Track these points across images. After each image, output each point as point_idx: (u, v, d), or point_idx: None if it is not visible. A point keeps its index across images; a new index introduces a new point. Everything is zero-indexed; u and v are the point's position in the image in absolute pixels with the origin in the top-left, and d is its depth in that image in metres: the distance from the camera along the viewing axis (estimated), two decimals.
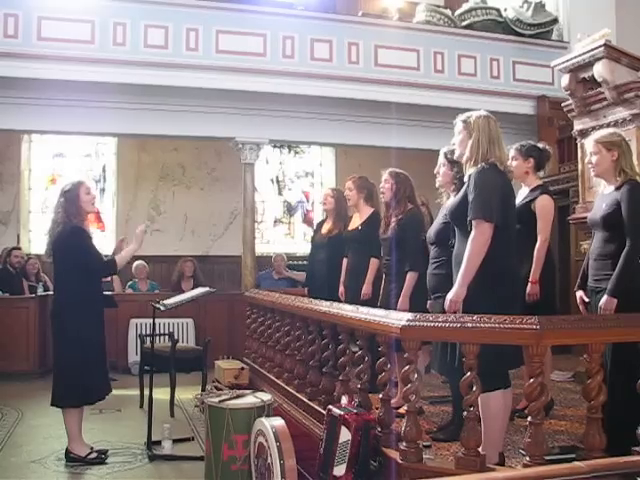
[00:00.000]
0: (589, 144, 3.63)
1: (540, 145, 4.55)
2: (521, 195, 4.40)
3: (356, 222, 5.30)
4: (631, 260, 3.34)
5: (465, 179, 3.34)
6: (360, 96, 7.82)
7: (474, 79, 8.33)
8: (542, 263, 4.17)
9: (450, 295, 3.17)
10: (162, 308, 4.87)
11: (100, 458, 4.47)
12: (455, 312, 3.12)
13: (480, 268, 3.10)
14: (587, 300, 3.65)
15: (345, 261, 5.33)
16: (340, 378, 3.95)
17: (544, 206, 4.24)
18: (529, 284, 4.14)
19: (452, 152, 3.73)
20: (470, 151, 3.25)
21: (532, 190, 4.35)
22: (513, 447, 3.44)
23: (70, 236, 4.41)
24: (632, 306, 3.24)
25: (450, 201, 3.76)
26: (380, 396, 3.41)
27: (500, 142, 3.26)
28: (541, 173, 4.60)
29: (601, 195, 3.67)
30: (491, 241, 3.10)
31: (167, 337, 6.26)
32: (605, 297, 3.36)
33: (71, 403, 4.43)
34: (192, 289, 6.80)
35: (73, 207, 4.46)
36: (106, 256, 4.75)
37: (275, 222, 11.02)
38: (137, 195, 10.01)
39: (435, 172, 4.13)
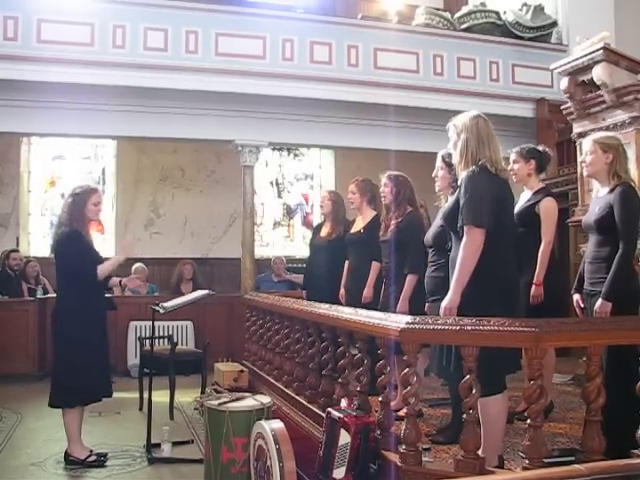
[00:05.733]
0: (587, 143, 3.63)
1: (540, 148, 4.56)
2: (524, 198, 4.41)
3: (359, 225, 5.30)
4: (624, 263, 3.34)
5: (459, 182, 3.29)
6: (359, 99, 7.82)
7: (473, 82, 8.34)
8: (546, 265, 4.18)
9: (445, 302, 3.13)
10: (161, 311, 4.87)
11: (99, 461, 4.47)
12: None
13: (476, 273, 3.07)
14: (583, 306, 3.66)
15: (347, 264, 5.33)
16: (339, 381, 3.95)
17: (548, 208, 4.25)
18: (533, 286, 4.15)
19: (450, 155, 3.72)
20: (459, 153, 3.21)
21: (535, 193, 4.36)
22: (512, 450, 3.44)
23: (67, 240, 4.43)
24: (627, 309, 3.25)
25: (446, 205, 3.75)
26: (379, 399, 3.42)
27: (491, 142, 3.19)
28: (542, 175, 4.61)
29: (595, 198, 3.67)
30: (484, 246, 3.06)
31: (166, 340, 6.26)
32: (600, 301, 3.36)
33: (67, 403, 4.43)
34: (191, 292, 6.80)
35: (77, 211, 4.47)
36: (106, 258, 4.75)
37: (274, 225, 11.02)
38: (136, 198, 10.01)
39: (433, 175, 4.13)
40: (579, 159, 5.55)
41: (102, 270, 4.54)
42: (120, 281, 4.76)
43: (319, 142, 8.83)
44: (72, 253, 4.41)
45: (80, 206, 4.48)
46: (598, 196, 3.60)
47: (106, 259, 4.71)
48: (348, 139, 8.44)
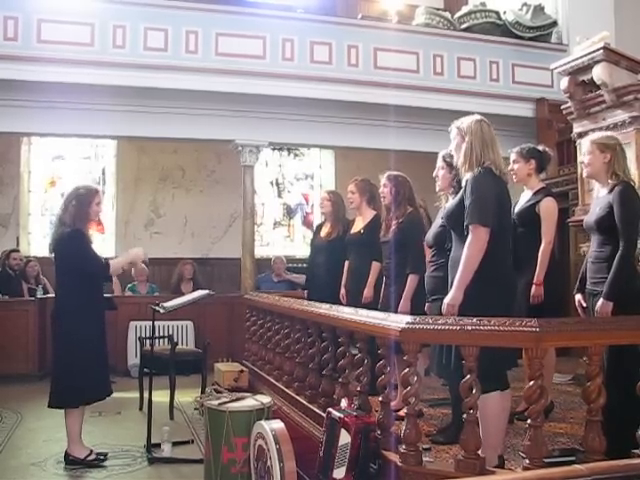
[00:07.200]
0: (585, 144, 3.66)
1: (540, 147, 4.56)
2: (524, 198, 4.42)
3: (359, 225, 5.30)
4: (625, 263, 3.35)
5: (462, 184, 3.35)
6: (359, 99, 7.82)
7: (473, 82, 8.34)
8: (546, 265, 4.18)
9: (447, 299, 3.19)
10: (162, 311, 4.87)
11: (99, 460, 4.47)
12: (451, 316, 3.13)
13: (477, 272, 3.12)
14: (585, 305, 3.66)
15: (347, 264, 5.33)
16: (340, 381, 3.95)
17: (548, 208, 4.26)
18: (533, 286, 4.15)
19: (451, 155, 3.73)
20: (464, 155, 3.27)
21: (535, 193, 4.36)
22: (513, 450, 3.44)
23: (70, 240, 4.43)
24: (629, 309, 3.25)
25: (448, 204, 3.77)
26: (380, 399, 3.41)
27: (494, 145, 3.27)
28: (542, 175, 4.61)
29: (596, 198, 3.69)
30: (487, 245, 3.12)
31: (167, 339, 6.25)
32: (601, 300, 3.38)
33: (69, 403, 4.43)
34: (192, 292, 6.80)
35: (81, 212, 4.49)
36: (105, 259, 4.75)
37: (275, 225, 11.02)
38: (137, 198, 10.01)
39: (434, 175, 4.14)
40: (579, 159, 5.56)
41: (115, 264, 4.66)
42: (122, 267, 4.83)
43: (319, 142, 8.83)
44: (77, 252, 4.42)
45: (85, 206, 4.51)
46: (598, 196, 3.62)
47: (105, 259, 4.72)
48: (348, 139, 8.44)
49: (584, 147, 3.64)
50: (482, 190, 3.16)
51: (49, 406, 4.50)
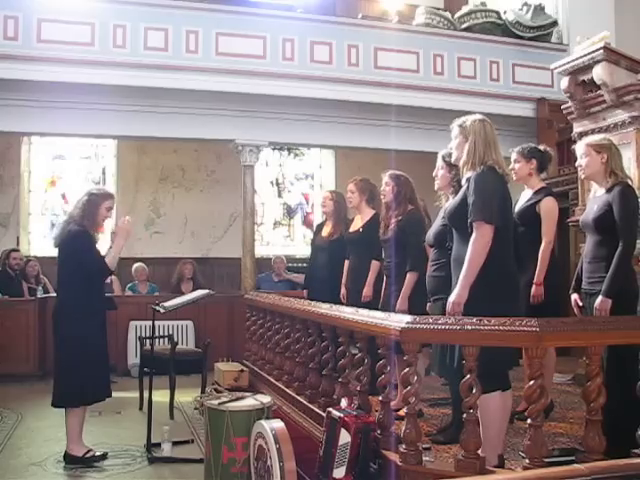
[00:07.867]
0: (580, 147, 3.67)
1: (542, 147, 4.56)
2: (524, 197, 4.42)
3: (357, 224, 5.30)
4: (624, 261, 3.37)
5: (463, 182, 3.35)
6: (360, 98, 7.83)
7: (474, 81, 8.35)
8: (546, 265, 4.19)
9: (452, 297, 3.17)
10: (162, 310, 4.87)
11: (98, 458, 4.46)
12: (457, 314, 3.12)
13: (480, 270, 3.11)
14: (581, 304, 3.66)
15: (346, 263, 5.33)
16: (340, 380, 3.95)
17: (549, 208, 4.26)
18: (534, 286, 4.15)
19: (450, 155, 3.73)
20: (467, 155, 3.27)
21: (536, 192, 4.36)
22: (513, 449, 3.44)
23: (75, 239, 4.45)
24: (626, 307, 3.27)
25: (449, 203, 3.77)
26: (380, 398, 3.42)
27: (496, 145, 3.28)
28: (543, 175, 4.61)
29: (593, 198, 3.70)
30: (491, 243, 3.11)
31: (167, 339, 6.26)
32: (600, 298, 3.38)
33: (70, 403, 4.44)
34: (192, 291, 6.80)
35: (90, 211, 4.52)
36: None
37: (275, 224, 11.01)
38: (137, 197, 10.00)
39: (434, 175, 4.14)
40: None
41: (110, 260, 4.60)
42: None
43: (319, 142, 8.82)
44: (81, 250, 4.42)
45: (94, 207, 4.53)
46: (595, 196, 3.64)
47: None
48: (348, 139, 8.45)
49: (579, 150, 3.67)
50: (486, 188, 3.16)
51: (52, 405, 4.51)
